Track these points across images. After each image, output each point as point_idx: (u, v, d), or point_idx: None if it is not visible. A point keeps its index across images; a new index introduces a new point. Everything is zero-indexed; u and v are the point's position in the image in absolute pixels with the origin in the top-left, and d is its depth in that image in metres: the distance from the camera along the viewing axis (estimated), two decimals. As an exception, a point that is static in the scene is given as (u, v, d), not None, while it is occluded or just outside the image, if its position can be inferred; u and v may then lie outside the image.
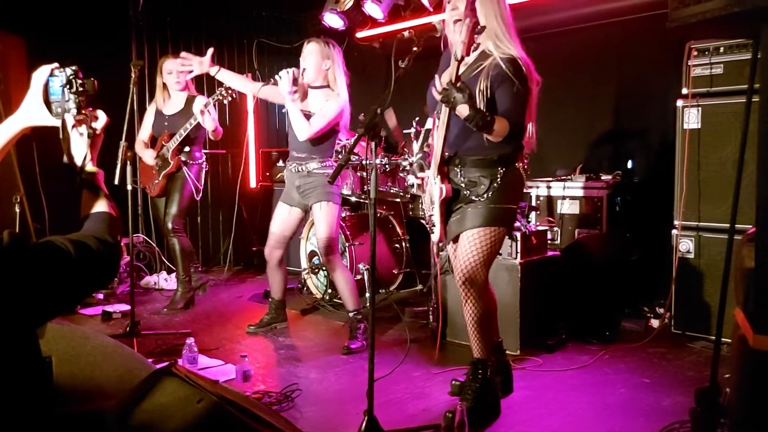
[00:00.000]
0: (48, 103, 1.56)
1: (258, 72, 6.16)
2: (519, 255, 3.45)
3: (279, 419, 1.78)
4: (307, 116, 3.61)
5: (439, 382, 3.09)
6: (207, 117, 4.18)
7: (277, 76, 3.57)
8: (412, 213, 5.03)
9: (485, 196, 2.61)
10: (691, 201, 3.63)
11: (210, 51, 3.81)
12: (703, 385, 2.26)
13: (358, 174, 4.71)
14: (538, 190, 4.52)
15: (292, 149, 3.79)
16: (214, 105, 4.18)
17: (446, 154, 2.65)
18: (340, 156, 4.05)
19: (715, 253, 3.55)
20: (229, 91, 3.98)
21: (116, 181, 3.63)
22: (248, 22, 6.32)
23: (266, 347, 3.73)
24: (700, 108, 3.60)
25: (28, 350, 1.27)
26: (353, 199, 4.86)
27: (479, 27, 2.52)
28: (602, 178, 4.39)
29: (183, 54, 3.88)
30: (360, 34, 5.91)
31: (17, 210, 4.37)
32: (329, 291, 4.58)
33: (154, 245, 5.43)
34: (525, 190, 4.04)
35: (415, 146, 4.02)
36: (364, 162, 4.57)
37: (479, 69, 2.57)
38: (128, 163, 3.73)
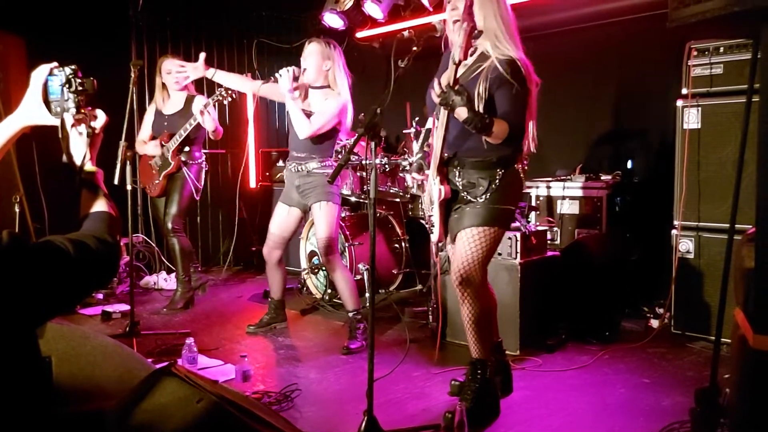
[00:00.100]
0: (47, 102, 1.56)
1: (258, 72, 6.15)
2: (519, 255, 3.45)
3: (279, 419, 1.78)
4: (308, 115, 3.61)
5: (438, 382, 3.08)
6: (207, 117, 4.18)
7: (277, 74, 3.57)
8: (411, 213, 5.02)
9: (484, 197, 2.61)
10: (690, 201, 3.63)
11: (202, 55, 3.81)
12: (702, 385, 2.26)
13: (358, 174, 4.71)
14: (537, 190, 4.52)
15: (292, 149, 3.79)
16: (214, 105, 4.18)
17: (445, 155, 2.65)
18: (339, 156, 4.05)
19: (714, 253, 3.55)
20: (229, 92, 3.97)
21: (116, 181, 3.62)
22: (248, 22, 6.31)
23: (266, 347, 3.73)
24: (700, 108, 3.60)
25: (27, 350, 1.27)
26: (353, 199, 4.85)
27: (476, 31, 2.52)
28: (602, 178, 4.38)
29: (178, 63, 3.89)
30: (360, 34, 5.91)
31: (17, 210, 4.37)
32: (329, 291, 4.58)
33: (154, 245, 5.43)
34: (524, 190, 4.04)
35: (415, 146, 4.01)
36: (363, 162, 4.57)
37: (478, 71, 2.57)
38: (128, 162, 3.73)
